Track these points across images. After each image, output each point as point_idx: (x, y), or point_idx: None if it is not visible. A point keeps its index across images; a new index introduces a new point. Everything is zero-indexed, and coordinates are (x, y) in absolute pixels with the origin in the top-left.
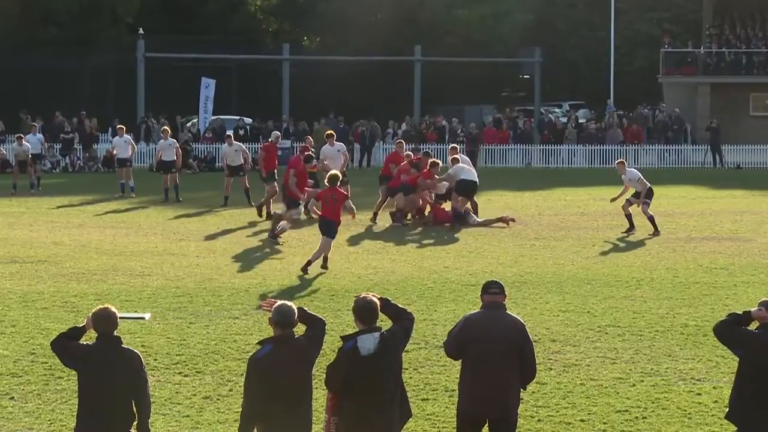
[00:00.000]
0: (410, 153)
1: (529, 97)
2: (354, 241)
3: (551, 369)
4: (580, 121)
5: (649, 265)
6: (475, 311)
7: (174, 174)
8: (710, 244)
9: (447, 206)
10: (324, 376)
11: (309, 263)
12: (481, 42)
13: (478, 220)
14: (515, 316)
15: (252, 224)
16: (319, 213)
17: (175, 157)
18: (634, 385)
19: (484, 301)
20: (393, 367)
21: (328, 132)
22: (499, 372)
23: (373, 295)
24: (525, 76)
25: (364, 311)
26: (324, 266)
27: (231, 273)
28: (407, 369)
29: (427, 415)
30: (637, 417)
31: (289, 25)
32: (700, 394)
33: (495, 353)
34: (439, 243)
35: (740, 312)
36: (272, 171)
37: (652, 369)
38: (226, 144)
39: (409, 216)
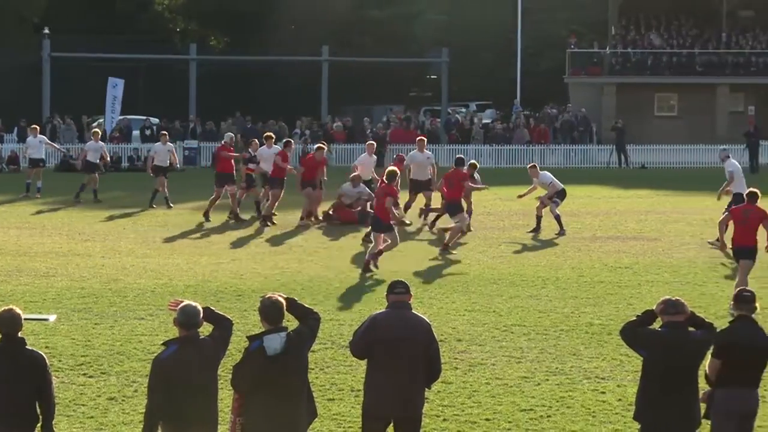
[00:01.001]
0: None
1: (436, 97)
2: (261, 241)
3: (457, 368)
4: (485, 121)
5: (555, 264)
6: (381, 311)
7: (95, 176)
8: (615, 244)
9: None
10: (230, 376)
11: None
12: (392, 42)
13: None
14: (421, 315)
15: (162, 225)
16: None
17: (99, 160)
18: (539, 383)
19: (389, 301)
20: (299, 366)
21: (267, 134)
22: (404, 371)
23: (279, 295)
24: (433, 77)
25: (269, 311)
26: (375, 265)
27: (137, 273)
28: (313, 369)
29: (333, 415)
30: (542, 415)
31: (196, 24)
32: (604, 392)
33: (400, 353)
34: (347, 243)
35: (641, 313)
36: (227, 173)
37: (557, 368)
38: (159, 143)
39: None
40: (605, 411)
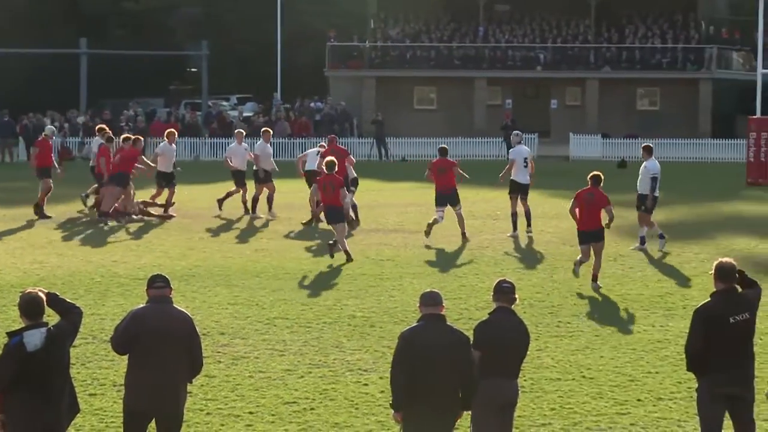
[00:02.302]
0: None
1: (197, 90)
2: (20, 236)
3: (220, 362)
4: (246, 114)
5: (317, 256)
6: (141, 305)
7: None
8: (377, 236)
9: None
10: None
11: (348, 252)
12: (150, 35)
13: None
14: (182, 309)
15: None
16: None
17: None
18: (302, 376)
19: (150, 296)
20: (61, 361)
21: (237, 131)
22: (165, 367)
23: (39, 290)
24: (193, 70)
25: (28, 306)
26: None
27: None
28: (75, 364)
29: (95, 410)
30: (305, 408)
31: None
32: (367, 384)
33: (162, 347)
34: (105, 236)
35: None
36: (46, 167)
37: (320, 360)
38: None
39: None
40: (368, 403)
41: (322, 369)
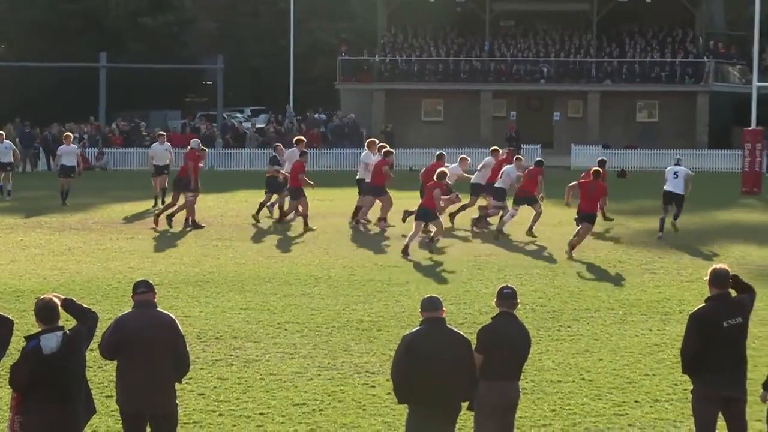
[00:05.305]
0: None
1: (212, 102)
2: (40, 242)
3: (232, 365)
4: (259, 125)
5: (327, 263)
6: (126, 312)
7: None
8: (385, 244)
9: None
10: (8, 375)
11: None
12: (166, 49)
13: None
14: (166, 312)
15: None
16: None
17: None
18: (311, 379)
19: (134, 301)
20: (77, 365)
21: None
22: (152, 367)
23: (55, 295)
24: (208, 83)
25: (42, 311)
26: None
27: None
28: (92, 367)
29: (111, 411)
30: (314, 409)
31: None
32: (374, 386)
33: (147, 350)
34: (124, 244)
35: None
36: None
37: (329, 363)
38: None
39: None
40: (375, 404)
41: (330, 372)
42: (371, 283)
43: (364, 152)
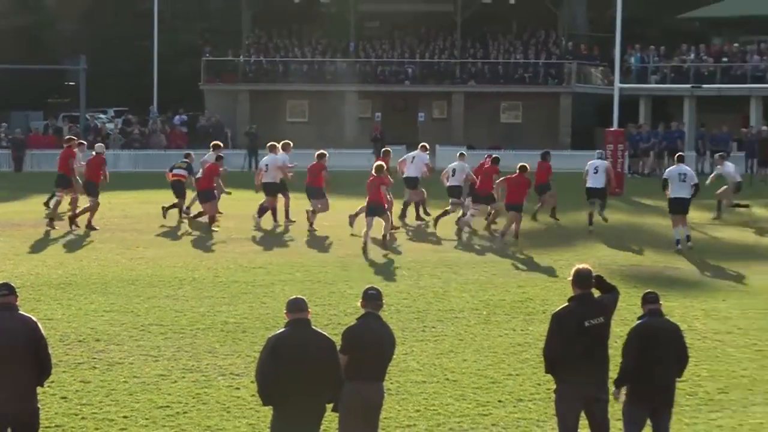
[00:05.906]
0: None
1: (75, 103)
2: None
3: (95, 368)
4: (121, 126)
5: (191, 265)
6: None
7: None
8: (250, 245)
9: None
10: None
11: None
12: (27, 49)
13: None
14: (28, 315)
15: None
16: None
17: None
18: (175, 381)
19: None
20: None
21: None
22: (14, 372)
23: None
24: (71, 83)
25: None
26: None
27: None
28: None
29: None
30: (178, 412)
31: None
32: (239, 388)
33: (9, 354)
34: None
35: None
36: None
37: (193, 365)
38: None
39: None
40: (240, 406)
41: (195, 374)
42: (236, 284)
43: (268, 155)
